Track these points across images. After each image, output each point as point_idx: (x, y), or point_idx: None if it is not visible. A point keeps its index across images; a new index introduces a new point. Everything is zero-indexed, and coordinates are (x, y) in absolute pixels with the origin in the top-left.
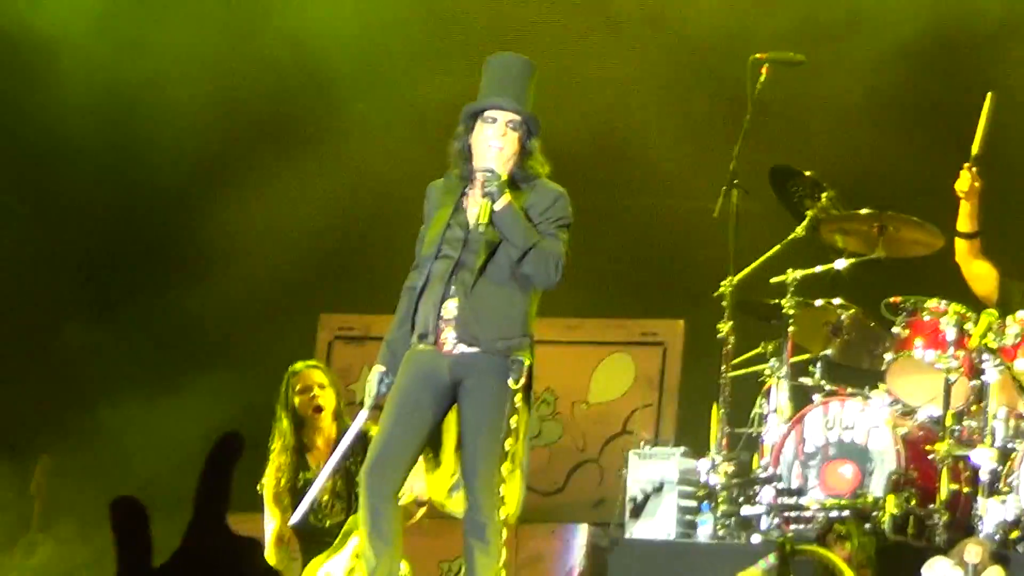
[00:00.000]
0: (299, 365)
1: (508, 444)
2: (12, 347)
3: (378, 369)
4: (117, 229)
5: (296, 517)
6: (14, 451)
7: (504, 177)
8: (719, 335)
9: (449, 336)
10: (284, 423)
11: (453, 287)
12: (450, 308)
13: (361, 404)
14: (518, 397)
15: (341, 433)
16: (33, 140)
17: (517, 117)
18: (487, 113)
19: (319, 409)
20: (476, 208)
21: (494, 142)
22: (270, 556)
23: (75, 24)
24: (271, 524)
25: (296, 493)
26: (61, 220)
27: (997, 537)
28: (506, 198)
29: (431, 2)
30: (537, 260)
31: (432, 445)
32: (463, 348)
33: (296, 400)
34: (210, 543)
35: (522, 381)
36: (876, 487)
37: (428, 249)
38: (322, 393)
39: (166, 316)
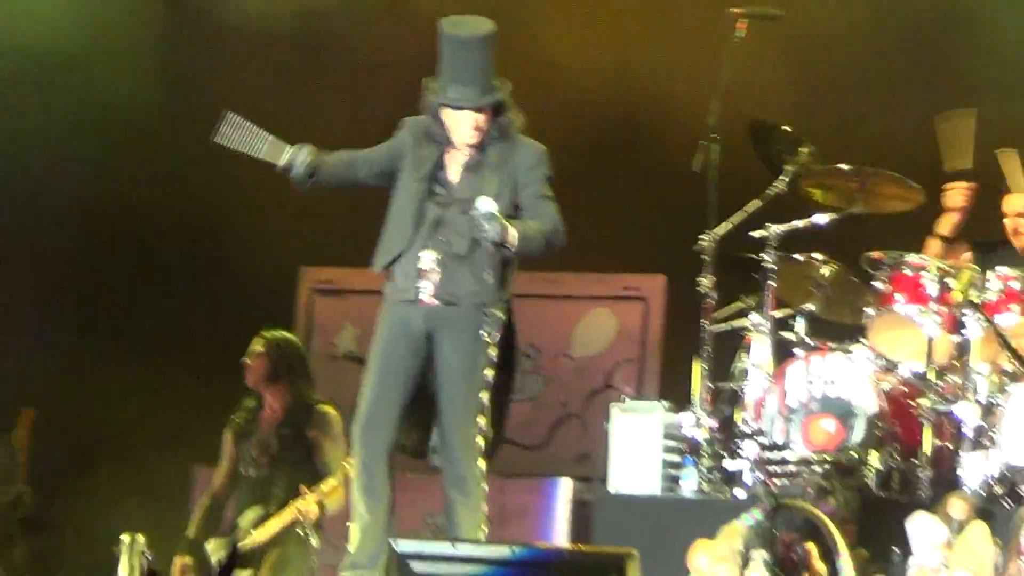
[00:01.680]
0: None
1: (484, 396)
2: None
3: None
4: (102, 189)
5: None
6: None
7: (497, 219)
8: (700, 289)
9: (425, 287)
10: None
11: (433, 242)
12: (427, 260)
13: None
14: (492, 349)
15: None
16: None
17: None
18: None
19: (249, 376)
20: (455, 170)
21: (467, 132)
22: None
23: None
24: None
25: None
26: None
27: (981, 492)
28: (508, 233)
29: None
30: (546, 247)
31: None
32: (437, 301)
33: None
34: None
35: (495, 334)
36: (859, 442)
37: (405, 199)
38: (253, 362)
39: (154, 269)
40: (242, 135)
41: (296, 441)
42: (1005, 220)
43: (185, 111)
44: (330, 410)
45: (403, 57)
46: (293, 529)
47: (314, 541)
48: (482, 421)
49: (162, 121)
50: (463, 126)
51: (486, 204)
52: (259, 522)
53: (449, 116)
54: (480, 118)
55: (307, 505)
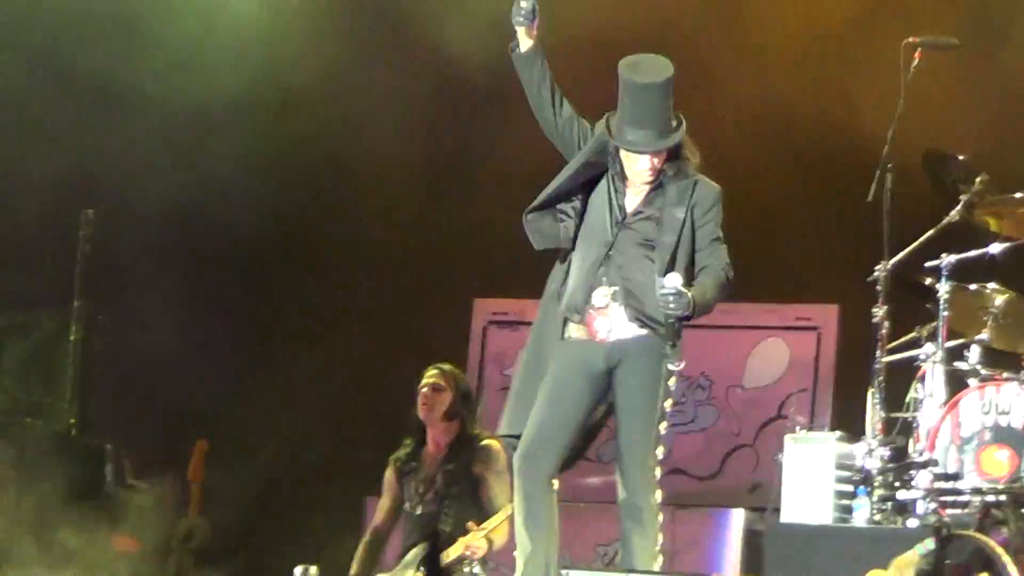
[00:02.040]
0: (429, 369)
1: (663, 427)
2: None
3: None
4: (270, 222)
5: None
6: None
7: (684, 296)
8: (874, 319)
9: (602, 326)
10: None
11: (605, 276)
12: (601, 297)
13: None
14: (673, 380)
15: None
16: None
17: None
18: None
19: (427, 408)
20: (629, 195)
21: (644, 172)
22: None
23: None
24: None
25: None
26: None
27: None
28: (690, 302)
29: None
30: (720, 300)
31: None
32: (619, 335)
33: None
34: None
35: (678, 364)
36: None
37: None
38: (434, 395)
39: (325, 299)
40: None
41: (462, 477)
42: None
43: (358, 148)
44: (494, 444)
45: None
46: (461, 565)
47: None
48: (660, 452)
49: (334, 156)
50: (639, 167)
51: (673, 280)
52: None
53: (626, 155)
54: (656, 159)
55: (475, 541)
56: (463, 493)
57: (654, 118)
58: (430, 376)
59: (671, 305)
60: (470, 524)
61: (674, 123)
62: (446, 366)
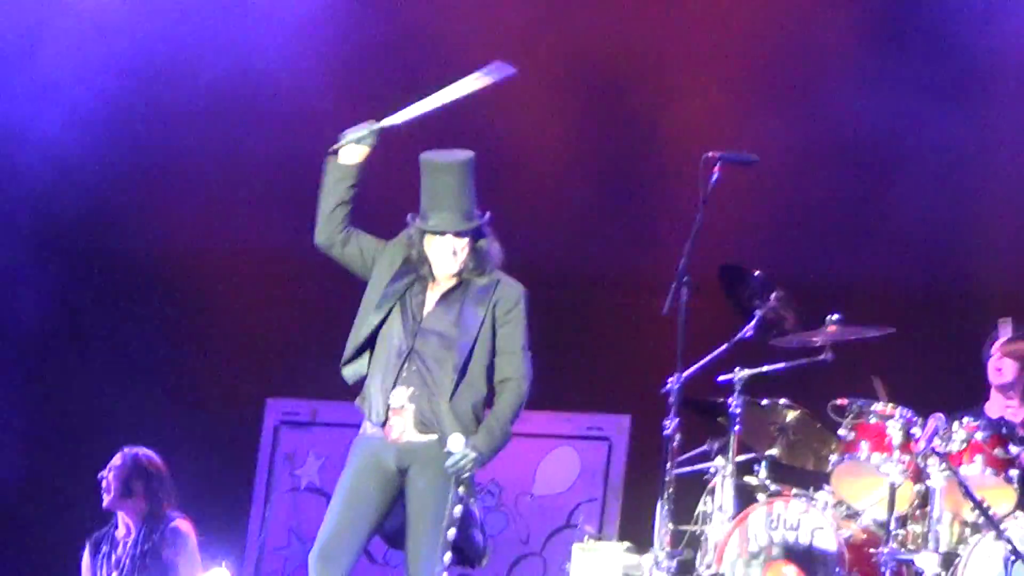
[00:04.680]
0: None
1: (450, 533)
2: None
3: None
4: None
5: None
6: None
7: (471, 464)
8: (665, 431)
9: (396, 424)
10: None
11: (404, 375)
12: (399, 397)
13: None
14: (462, 487)
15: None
16: None
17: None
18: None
19: (106, 491)
20: (430, 296)
21: (447, 259)
22: None
23: None
24: None
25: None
26: None
27: None
28: (481, 457)
29: None
30: (515, 421)
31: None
32: (410, 437)
33: None
34: None
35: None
36: None
37: (375, 315)
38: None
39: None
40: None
41: (151, 561)
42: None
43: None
44: (182, 526)
45: None
46: None
47: None
48: (447, 558)
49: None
50: (443, 254)
51: (456, 443)
52: None
53: (429, 245)
54: (459, 243)
55: None
56: None
57: (454, 200)
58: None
59: (463, 470)
60: None
61: (478, 212)
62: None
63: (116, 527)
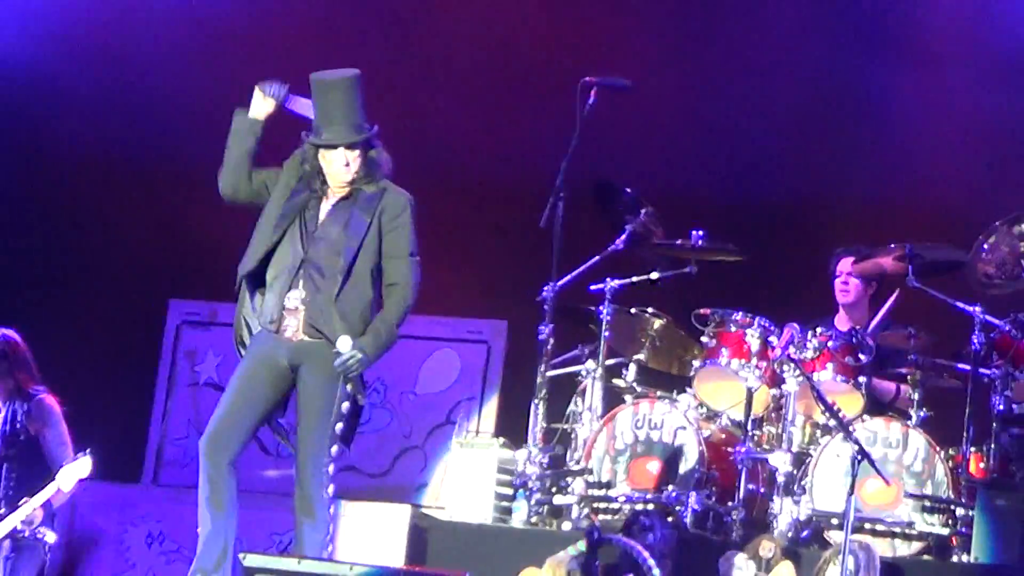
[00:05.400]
0: None
1: (338, 427)
2: None
3: None
4: None
5: None
6: None
7: (357, 364)
8: (540, 336)
9: (291, 324)
10: None
11: (299, 280)
12: (294, 299)
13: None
14: (349, 384)
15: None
16: None
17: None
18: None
19: None
20: (324, 205)
21: (342, 173)
22: None
23: None
24: None
25: None
26: None
27: (789, 535)
28: (367, 358)
29: None
30: (402, 323)
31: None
32: (303, 337)
33: None
34: None
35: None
36: (679, 483)
37: (273, 233)
38: None
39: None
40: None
41: (19, 437)
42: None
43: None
44: (47, 398)
45: None
46: (26, 531)
47: (49, 537)
48: (334, 450)
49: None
50: (336, 166)
51: (344, 344)
52: None
53: (324, 158)
54: (351, 155)
55: (29, 512)
56: (21, 453)
57: (344, 114)
58: None
59: (350, 368)
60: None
61: (367, 124)
62: None
63: None
